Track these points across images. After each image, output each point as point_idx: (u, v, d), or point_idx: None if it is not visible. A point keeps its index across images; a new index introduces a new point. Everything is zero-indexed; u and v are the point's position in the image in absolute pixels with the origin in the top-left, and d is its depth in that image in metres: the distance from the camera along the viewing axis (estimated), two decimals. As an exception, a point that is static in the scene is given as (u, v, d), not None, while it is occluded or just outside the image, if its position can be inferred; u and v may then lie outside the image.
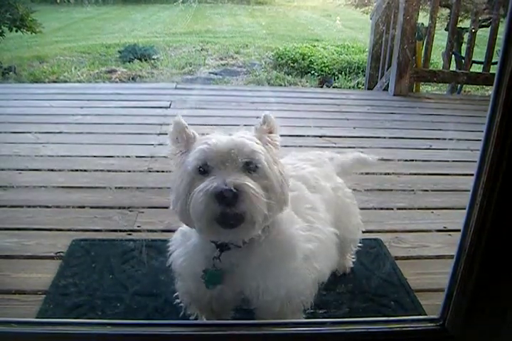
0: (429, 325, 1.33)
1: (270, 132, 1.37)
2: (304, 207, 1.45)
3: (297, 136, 3.39)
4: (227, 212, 1.15)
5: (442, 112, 4.32)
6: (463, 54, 5.09)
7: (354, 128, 3.81)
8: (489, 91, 5.84)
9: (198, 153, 1.23)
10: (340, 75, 7.26)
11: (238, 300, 1.48)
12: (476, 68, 5.00)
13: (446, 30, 5.06)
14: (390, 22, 4.97)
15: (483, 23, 5.02)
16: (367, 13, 8.64)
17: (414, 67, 4.71)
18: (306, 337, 1.37)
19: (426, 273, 2.03)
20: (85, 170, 2.88)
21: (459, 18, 5.05)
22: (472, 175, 1.13)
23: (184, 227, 1.43)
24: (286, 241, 1.37)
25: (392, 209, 2.56)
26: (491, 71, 4.77)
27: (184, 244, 1.43)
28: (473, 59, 4.92)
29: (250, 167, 1.22)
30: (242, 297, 1.44)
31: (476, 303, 1.23)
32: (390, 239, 2.25)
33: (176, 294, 1.61)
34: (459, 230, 1.20)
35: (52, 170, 2.87)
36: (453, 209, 2.55)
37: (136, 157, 3.07)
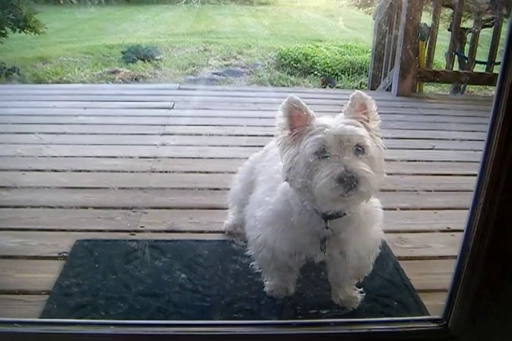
0: (432, 325, 1.33)
1: (365, 108, 1.58)
2: None
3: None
4: (349, 193, 1.35)
5: (445, 112, 4.31)
6: (466, 54, 5.08)
7: (357, 128, 3.80)
8: (492, 91, 5.81)
9: (316, 141, 1.40)
10: (343, 75, 7.26)
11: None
12: (478, 68, 4.99)
13: (449, 30, 5.04)
14: (392, 22, 4.96)
15: (486, 23, 5.00)
16: (370, 14, 8.63)
17: (417, 68, 4.70)
18: (310, 338, 1.37)
19: (429, 273, 2.03)
20: (88, 171, 2.88)
21: (462, 18, 5.04)
22: (475, 175, 1.13)
23: (276, 207, 1.61)
24: (373, 208, 1.65)
25: (395, 209, 2.55)
26: (493, 71, 4.76)
27: (278, 222, 1.61)
28: (476, 59, 4.91)
29: (359, 150, 1.41)
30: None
31: (479, 303, 1.23)
32: (393, 239, 2.24)
33: (252, 264, 1.84)
34: (462, 230, 1.20)
35: (55, 170, 2.88)
36: (456, 209, 2.54)
37: (140, 157, 3.07)
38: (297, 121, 1.50)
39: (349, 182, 1.33)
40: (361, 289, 1.82)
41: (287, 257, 1.65)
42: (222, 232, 2.25)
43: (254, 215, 1.72)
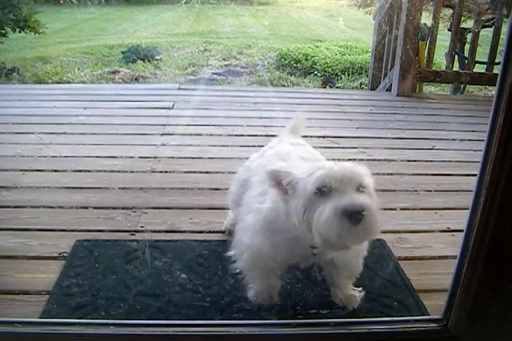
0: (432, 325, 1.33)
1: None
2: None
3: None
4: (357, 227, 1.33)
5: (445, 112, 4.31)
6: (466, 54, 5.08)
7: (357, 128, 3.81)
8: (492, 91, 5.82)
9: (318, 178, 1.40)
10: (343, 76, 7.26)
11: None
12: (479, 68, 4.99)
13: (449, 30, 5.05)
14: (392, 22, 4.96)
15: (486, 23, 5.00)
16: (370, 14, 8.64)
17: (417, 68, 4.71)
18: (310, 338, 1.37)
19: (429, 273, 2.03)
20: (89, 171, 2.88)
21: (462, 18, 5.05)
22: (475, 175, 1.13)
23: (265, 218, 1.59)
24: None
25: (395, 209, 2.55)
26: (494, 71, 4.76)
27: (267, 232, 1.60)
28: (476, 59, 4.91)
29: (360, 187, 1.41)
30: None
31: (480, 303, 1.23)
32: (393, 240, 2.24)
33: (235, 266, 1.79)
34: (462, 230, 1.20)
35: (55, 170, 2.88)
36: (456, 209, 2.54)
37: (140, 157, 3.07)
38: (287, 186, 1.49)
39: (355, 215, 1.31)
40: (360, 288, 1.82)
41: (272, 262, 1.66)
42: (222, 232, 2.25)
43: (244, 219, 1.72)
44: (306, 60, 7.72)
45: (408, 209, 2.58)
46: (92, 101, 4.30)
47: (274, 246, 1.60)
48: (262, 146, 2.00)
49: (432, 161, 3.23)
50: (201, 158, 3.11)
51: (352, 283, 1.81)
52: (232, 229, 2.21)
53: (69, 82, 6.61)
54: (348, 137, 3.55)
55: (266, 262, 1.66)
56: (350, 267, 1.71)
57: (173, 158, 3.10)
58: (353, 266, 1.72)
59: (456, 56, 5.20)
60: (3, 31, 6.48)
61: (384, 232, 2.30)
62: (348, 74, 7.28)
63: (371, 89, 5.49)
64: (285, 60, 7.83)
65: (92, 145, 3.27)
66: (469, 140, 3.54)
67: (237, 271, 1.80)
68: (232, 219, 2.23)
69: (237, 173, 2.11)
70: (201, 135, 3.49)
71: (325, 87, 6.76)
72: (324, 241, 1.38)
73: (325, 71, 7.40)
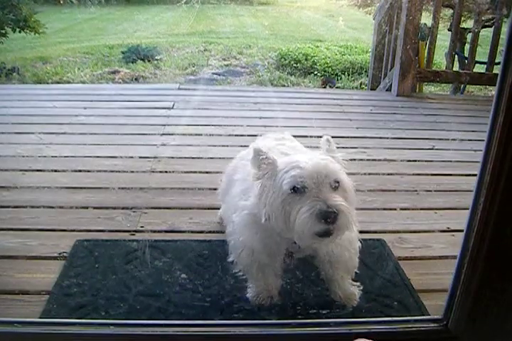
0: (432, 325, 1.33)
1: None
2: None
3: (300, 136, 3.38)
4: (329, 228, 1.39)
5: (445, 112, 4.31)
6: (466, 54, 5.08)
7: (357, 128, 3.81)
8: (492, 91, 5.82)
9: (292, 177, 1.43)
10: (343, 76, 7.25)
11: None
12: (479, 68, 4.99)
13: (449, 30, 5.05)
14: (392, 22, 4.96)
15: (486, 23, 5.00)
16: (370, 14, 8.64)
17: (417, 68, 4.70)
18: (309, 338, 1.37)
19: (429, 273, 2.03)
20: (89, 171, 2.88)
21: (462, 18, 5.04)
22: (475, 175, 1.13)
23: (251, 211, 1.61)
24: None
25: (395, 209, 2.55)
26: (494, 71, 4.76)
27: (255, 226, 1.62)
28: (476, 59, 4.91)
29: (335, 184, 1.45)
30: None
31: (480, 303, 1.23)
32: (393, 240, 2.24)
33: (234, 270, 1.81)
34: (462, 230, 1.20)
35: (55, 170, 2.88)
36: (456, 209, 2.54)
37: (140, 157, 3.07)
38: (266, 167, 1.54)
39: (330, 218, 1.36)
40: (358, 283, 1.82)
41: (266, 257, 1.68)
42: (223, 232, 2.25)
43: (232, 221, 1.74)
44: (306, 60, 7.71)
45: (408, 209, 2.58)
46: (91, 101, 4.30)
47: (264, 241, 1.62)
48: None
49: (432, 161, 3.23)
50: (201, 158, 3.11)
51: (350, 279, 1.81)
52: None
53: (69, 82, 6.60)
54: (348, 137, 3.55)
55: (260, 258, 1.67)
56: (343, 261, 1.72)
57: (173, 158, 3.10)
58: (346, 260, 1.72)
59: (456, 56, 5.19)
60: (3, 31, 6.47)
61: (384, 232, 2.32)
62: (348, 74, 7.27)
63: (371, 89, 5.49)
64: (285, 60, 7.83)
65: (92, 145, 3.27)
66: (469, 140, 3.54)
67: (237, 271, 1.80)
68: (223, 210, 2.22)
69: (226, 170, 2.09)
70: (201, 135, 3.49)
71: (325, 87, 6.75)
72: (302, 239, 1.46)
73: (325, 71, 7.39)
